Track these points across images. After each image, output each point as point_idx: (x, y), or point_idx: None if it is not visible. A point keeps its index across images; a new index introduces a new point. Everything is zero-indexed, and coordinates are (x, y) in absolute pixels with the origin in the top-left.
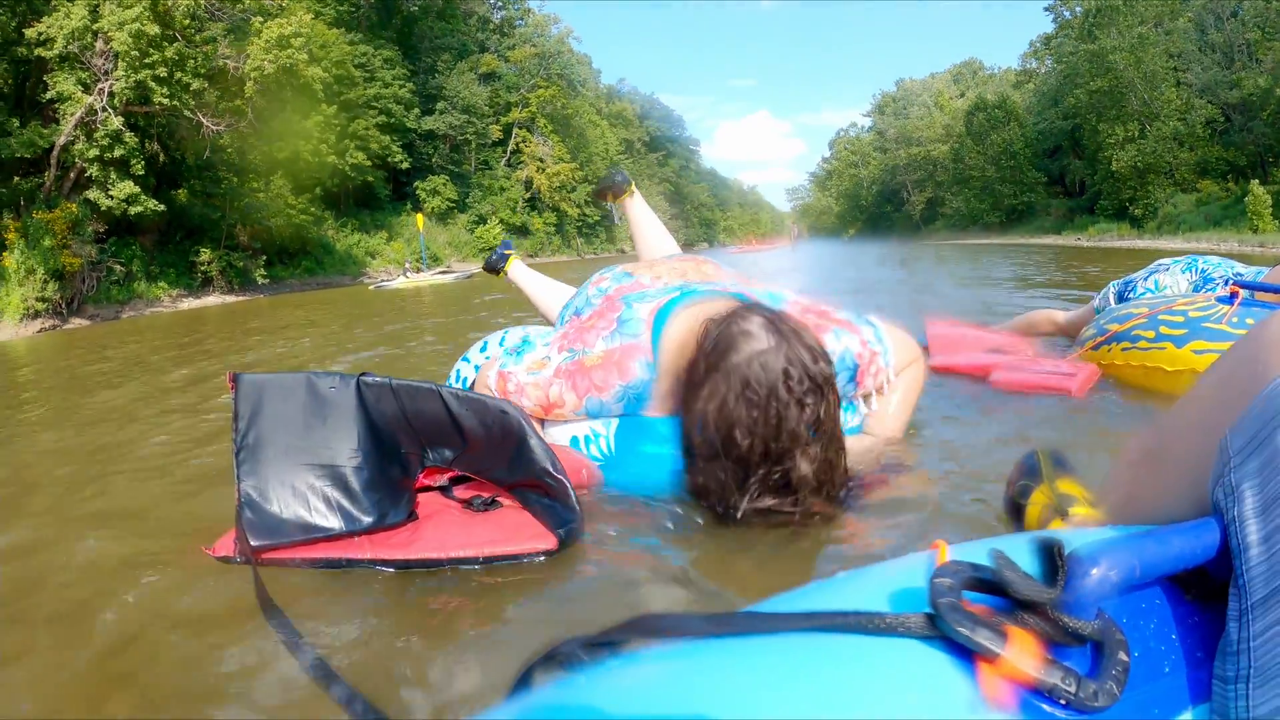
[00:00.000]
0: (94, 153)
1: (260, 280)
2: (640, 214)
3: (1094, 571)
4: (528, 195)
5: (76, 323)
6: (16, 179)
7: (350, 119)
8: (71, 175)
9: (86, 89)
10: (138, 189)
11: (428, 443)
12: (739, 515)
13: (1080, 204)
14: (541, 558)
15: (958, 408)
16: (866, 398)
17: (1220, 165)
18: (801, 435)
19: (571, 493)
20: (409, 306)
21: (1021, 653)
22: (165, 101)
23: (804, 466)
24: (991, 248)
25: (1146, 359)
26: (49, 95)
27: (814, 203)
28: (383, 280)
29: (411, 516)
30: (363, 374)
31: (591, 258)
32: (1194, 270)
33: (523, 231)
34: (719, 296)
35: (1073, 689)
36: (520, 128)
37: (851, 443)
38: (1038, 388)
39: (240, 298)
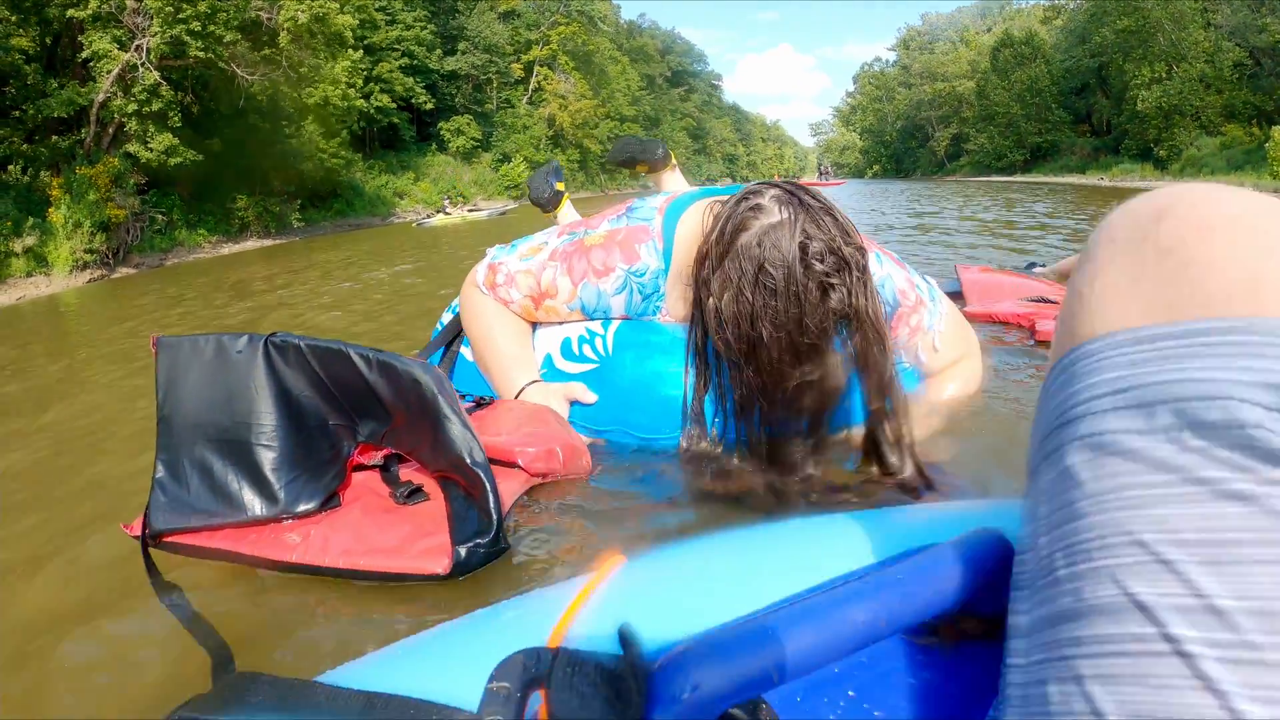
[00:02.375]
0: (132, 107)
1: (296, 224)
2: (679, 189)
3: (694, 693)
4: (550, 133)
5: (123, 271)
6: (54, 138)
7: (375, 62)
8: (110, 130)
9: (123, 46)
10: (176, 141)
11: (356, 414)
12: (796, 472)
13: (1106, 143)
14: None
15: (1004, 360)
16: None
17: (1247, 109)
18: (829, 329)
19: (492, 495)
20: (453, 240)
21: None
22: (200, 55)
23: (837, 376)
24: (1011, 186)
25: None
26: (84, 55)
27: (837, 138)
28: (425, 219)
29: (329, 503)
30: (272, 334)
31: (615, 193)
32: None
33: None
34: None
35: None
36: (541, 65)
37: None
38: None
39: (277, 241)
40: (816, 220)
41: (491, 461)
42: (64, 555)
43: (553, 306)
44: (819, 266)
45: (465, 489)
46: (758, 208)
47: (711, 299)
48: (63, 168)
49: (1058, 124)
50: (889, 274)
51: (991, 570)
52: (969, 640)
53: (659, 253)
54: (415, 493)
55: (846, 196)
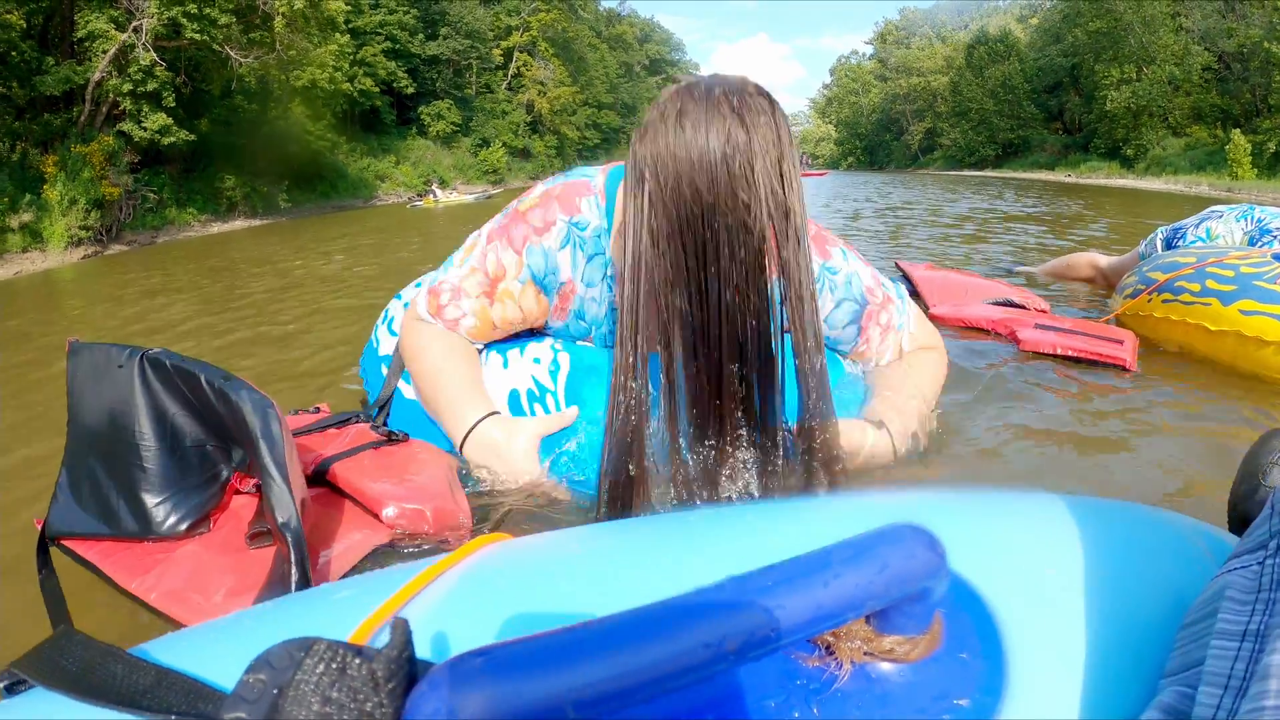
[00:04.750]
0: (128, 87)
1: (283, 204)
2: None
3: None
4: (529, 119)
5: (116, 248)
6: (47, 115)
7: (359, 46)
8: (103, 109)
9: (119, 26)
10: (169, 120)
11: (225, 439)
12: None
13: (1076, 141)
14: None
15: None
16: (862, 361)
17: (1214, 112)
18: (749, 227)
19: (296, 569)
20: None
21: None
22: (196, 36)
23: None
24: (975, 180)
25: (1189, 314)
26: (80, 34)
27: (813, 129)
28: (415, 200)
29: (198, 528)
30: (147, 350)
31: None
32: (1249, 219)
33: (524, 155)
34: None
35: None
36: (521, 51)
37: (848, 427)
38: (1086, 355)
39: (264, 221)
40: (745, 125)
41: (355, 502)
42: None
43: (507, 290)
44: (739, 159)
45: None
46: (664, 111)
47: (631, 207)
48: (56, 145)
49: (1029, 121)
50: (855, 270)
51: (913, 576)
52: (875, 660)
53: (601, 210)
54: (261, 535)
55: (831, 186)
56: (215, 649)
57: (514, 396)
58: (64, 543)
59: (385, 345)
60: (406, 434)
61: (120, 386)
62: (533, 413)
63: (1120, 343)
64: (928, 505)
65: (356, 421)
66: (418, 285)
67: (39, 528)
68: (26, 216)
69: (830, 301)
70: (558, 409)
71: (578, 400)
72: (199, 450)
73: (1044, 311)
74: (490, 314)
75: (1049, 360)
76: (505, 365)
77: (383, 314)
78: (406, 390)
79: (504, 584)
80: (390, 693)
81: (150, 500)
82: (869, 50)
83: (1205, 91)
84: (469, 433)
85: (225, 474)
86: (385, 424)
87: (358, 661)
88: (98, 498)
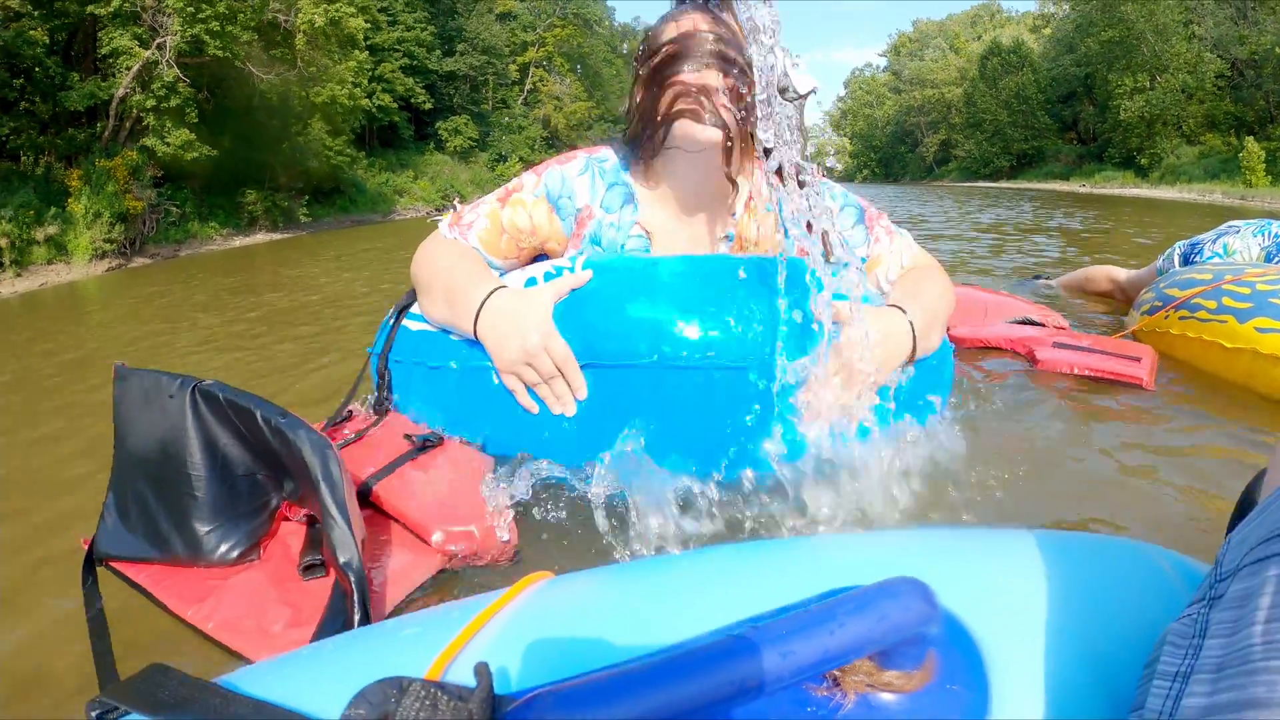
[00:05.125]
0: (151, 103)
1: (303, 219)
2: None
3: None
4: (545, 134)
5: (140, 261)
6: (71, 130)
7: (377, 62)
8: (127, 124)
9: (143, 44)
10: (192, 136)
11: (276, 470)
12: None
13: (1091, 151)
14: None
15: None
16: (880, 267)
17: (1228, 120)
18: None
19: (359, 608)
20: None
21: None
22: (218, 53)
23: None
24: (990, 191)
25: (1205, 332)
26: (104, 50)
27: (828, 142)
28: (435, 215)
29: (249, 555)
30: (200, 381)
31: None
32: (1267, 234)
33: None
34: None
35: None
36: (537, 67)
37: (875, 312)
38: (1103, 374)
39: (285, 235)
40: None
41: (398, 523)
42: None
43: (520, 199)
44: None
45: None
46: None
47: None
48: (81, 160)
49: (1044, 131)
50: (849, 194)
51: (910, 624)
52: (876, 691)
53: (618, 155)
54: (314, 567)
55: None
56: (301, 682)
57: (530, 282)
58: (113, 565)
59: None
60: (441, 435)
61: (171, 416)
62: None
63: (1138, 360)
64: (925, 545)
65: (382, 416)
66: None
67: (85, 547)
68: (51, 229)
69: (835, 206)
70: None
71: (596, 279)
72: (249, 479)
73: (1063, 329)
74: (500, 216)
75: (1065, 378)
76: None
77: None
78: (411, 324)
79: (552, 623)
80: (484, 716)
81: (201, 528)
82: (883, 63)
83: (1219, 99)
84: (480, 308)
85: (275, 502)
86: (388, 367)
87: (445, 699)
88: (146, 522)
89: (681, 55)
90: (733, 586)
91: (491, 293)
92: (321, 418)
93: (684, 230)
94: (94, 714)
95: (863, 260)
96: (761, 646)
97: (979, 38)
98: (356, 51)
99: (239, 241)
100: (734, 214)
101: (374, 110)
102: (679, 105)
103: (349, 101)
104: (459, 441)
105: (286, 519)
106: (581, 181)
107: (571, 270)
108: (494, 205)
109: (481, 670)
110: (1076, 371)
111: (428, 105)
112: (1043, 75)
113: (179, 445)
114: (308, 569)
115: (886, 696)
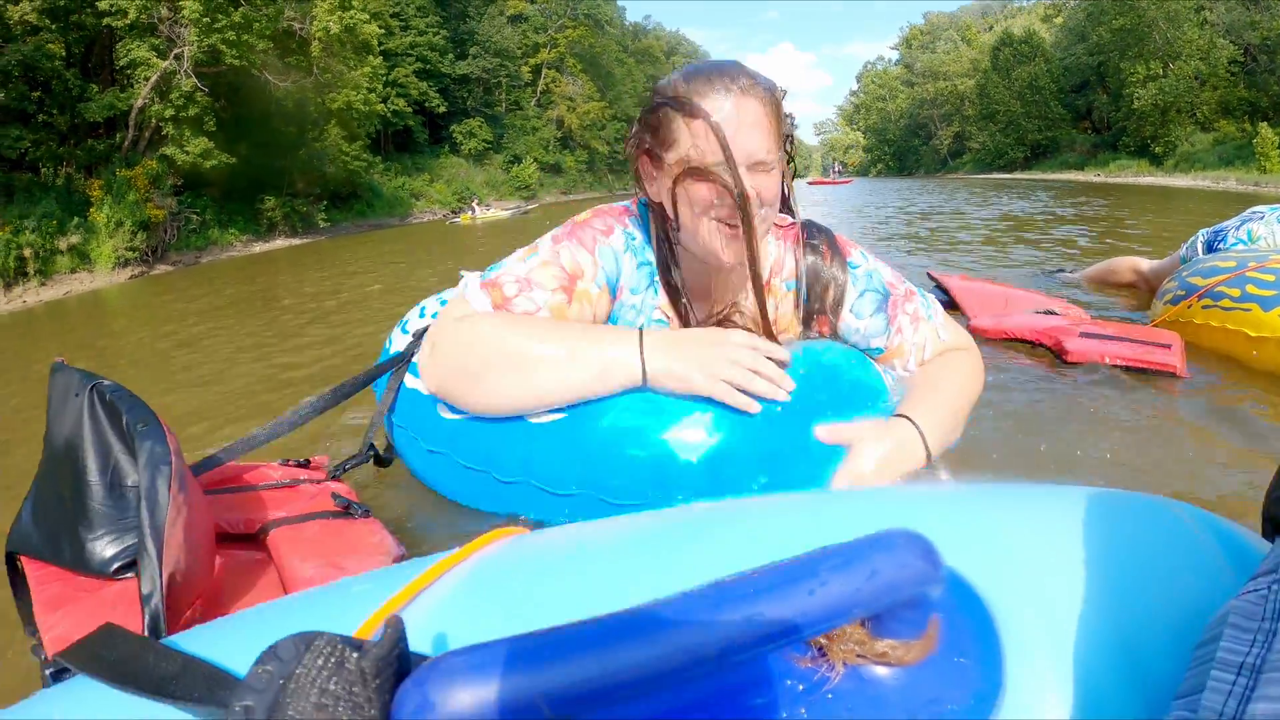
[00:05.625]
0: (170, 112)
1: (322, 224)
2: None
3: (431, 716)
4: (559, 134)
5: (161, 268)
6: (90, 141)
7: (391, 67)
8: (146, 134)
9: (160, 54)
10: (211, 144)
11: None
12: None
13: (1105, 140)
14: None
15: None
16: (900, 358)
17: (1241, 105)
18: None
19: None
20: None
21: None
22: (235, 62)
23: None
24: (1005, 183)
25: (1229, 320)
26: (122, 62)
27: (841, 137)
28: (454, 217)
29: (124, 571)
30: (99, 381)
31: (623, 193)
32: None
33: (556, 170)
34: None
35: None
36: (549, 68)
37: (861, 431)
38: (1135, 363)
39: (304, 240)
40: None
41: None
42: None
43: (585, 291)
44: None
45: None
46: None
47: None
48: (101, 170)
49: (1057, 121)
50: (876, 267)
51: (905, 583)
52: (869, 663)
53: (641, 221)
54: (127, 567)
55: (857, 194)
56: (237, 640)
57: None
58: (21, 558)
59: (398, 345)
60: (368, 510)
61: (75, 415)
62: None
63: (1168, 347)
64: (932, 500)
65: (335, 478)
66: (420, 313)
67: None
68: (74, 239)
69: (854, 294)
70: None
71: (597, 402)
72: (138, 491)
73: (1084, 319)
74: (568, 313)
75: (1092, 367)
76: None
77: (399, 322)
78: (413, 382)
79: (509, 579)
80: (378, 688)
81: (86, 534)
82: (895, 56)
83: (1232, 85)
84: (642, 346)
85: None
86: (393, 415)
87: (355, 656)
88: (49, 523)
89: (712, 167)
90: (716, 543)
91: (641, 334)
92: (322, 438)
93: (703, 311)
94: (49, 673)
95: (879, 350)
96: (726, 605)
97: (990, 28)
98: (371, 57)
99: (259, 247)
100: (748, 297)
101: (389, 115)
102: (704, 229)
103: (364, 107)
104: (382, 526)
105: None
106: (627, 260)
107: None
108: (559, 298)
109: (391, 622)
110: (1109, 361)
111: (441, 109)
112: (1055, 65)
113: (78, 447)
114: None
115: (881, 669)
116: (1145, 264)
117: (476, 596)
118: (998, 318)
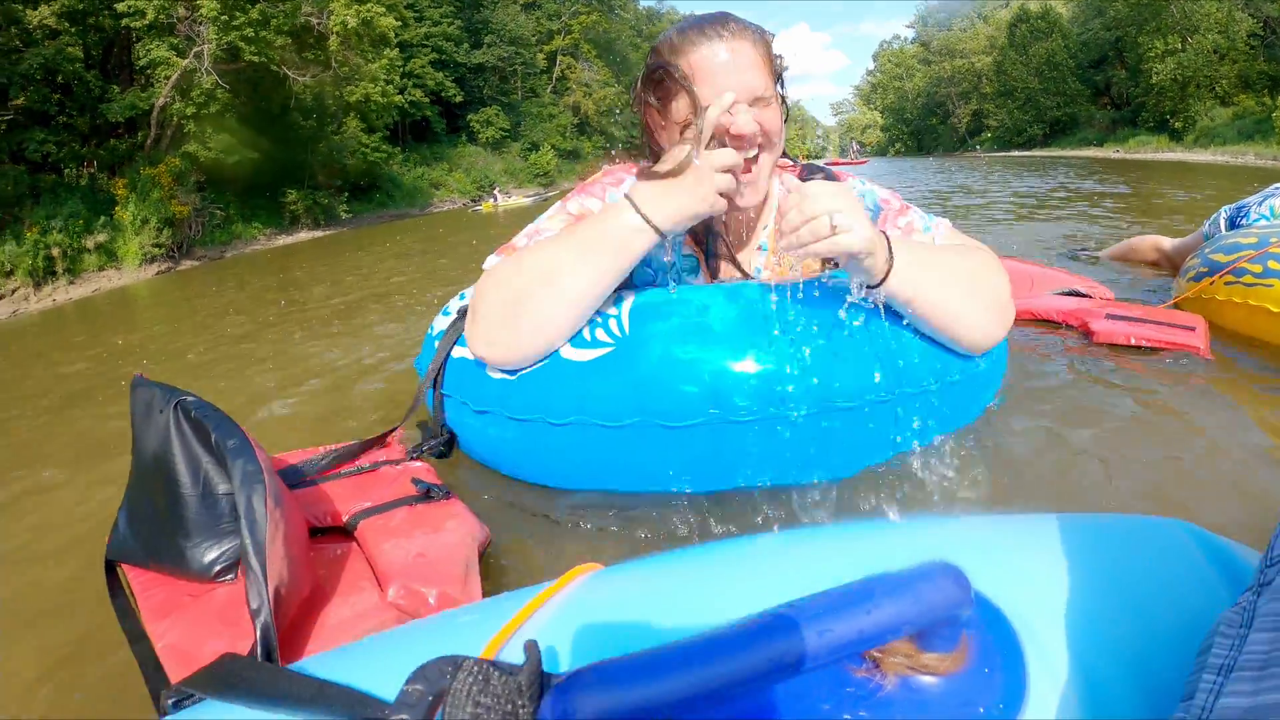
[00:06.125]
0: (191, 110)
1: (344, 215)
2: None
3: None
4: (576, 120)
5: (187, 264)
6: (112, 141)
7: (407, 59)
8: (168, 132)
9: (180, 53)
10: (233, 139)
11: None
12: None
13: (1124, 116)
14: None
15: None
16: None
17: (1261, 79)
18: None
19: (261, 653)
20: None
21: None
22: (254, 59)
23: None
24: (1024, 161)
25: (1250, 296)
26: (142, 62)
27: (859, 117)
28: (474, 205)
29: (225, 574)
30: (183, 397)
31: None
32: None
33: (574, 156)
34: None
35: None
36: (564, 55)
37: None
38: (1160, 344)
39: (327, 232)
40: None
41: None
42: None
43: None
44: None
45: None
46: None
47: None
48: (124, 169)
49: (1076, 97)
50: (872, 188)
51: (943, 605)
52: (914, 673)
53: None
54: (227, 570)
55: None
56: (361, 667)
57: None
58: (122, 567)
59: (440, 326)
60: (449, 492)
61: (161, 430)
62: (592, 339)
63: (1192, 329)
64: (959, 532)
65: (416, 457)
66: (462, 296)
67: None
68: (101, 237)
69: None
70: (621, 331)
71: (640, 329)
72: (230, 499)
73: (1109, 300)
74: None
75: (1116, 348)
76: None
77: (442, 309)
78: (457, 351)
79: (599, 609)
80: (530, 697)
81: (185, 542)
82: (911, 34)
83: (1251, 59)
84: (635, 205)
85: None
86: (441, 390)
87: (497, 674)
88: (146, 531)
89: (703, 101)
90: (773, 571)
91: (626, 198)
92: (377, 425)
93: (724, 245)
94: (170, 701)
95: None
96: (800, 624)
97: (1006, 4)
98: (387, 49)
99: (282, 240)
100: (765, 226)
101: (406, 106)
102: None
103: (382, 99)
104: (465, 507)
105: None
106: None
107: (618, 316)
108: (564, 214)
109: (530, 647)
110: (1134, 342)
111: (458, 98)
112: (1072, 40)
113: (168, 460)
114: (220, 573)
115: (926, 679)
116: (1167, 242)
117: (571, 626)
118: (1025, 298)
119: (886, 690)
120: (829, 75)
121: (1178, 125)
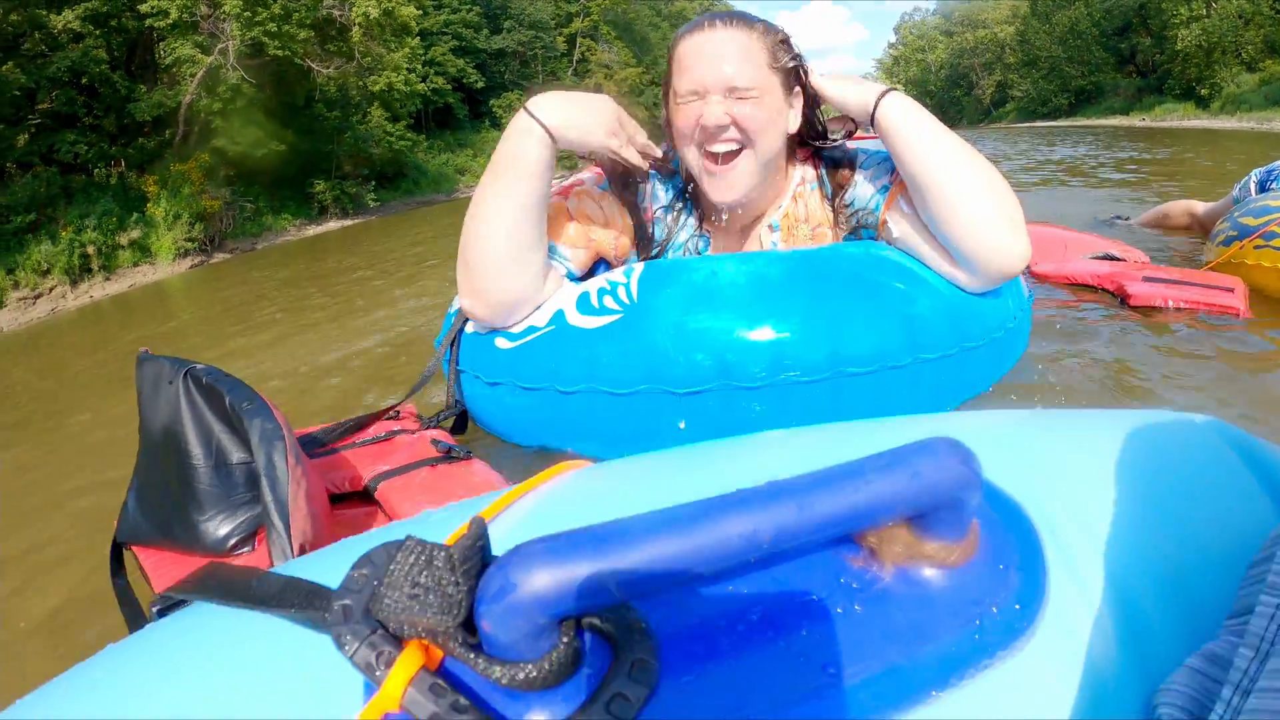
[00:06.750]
0: (218, 106)
1: (372, 204)
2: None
3: (514, 595)
4: None
5: (220, 257)
6: (140, 140)
7: (428, 47)
8: (195, 128)
9: (204, 50)
10: (260, 133)
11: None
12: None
13: (1150, 83)
14: None
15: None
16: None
17: None
18: None
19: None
20: None
21: (397, 685)
22: (278, 53)
23: None
24: (1050, 131)
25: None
26: (167, 61)
27: None
28: None
29: (241, 547)
30: (193, 366)
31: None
32: None
33: None
34: None
35: None
36: (584, 37)
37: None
38: (1198, 306)
39: (355, 221)
40: None
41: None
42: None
43: (585, 191)
44: None
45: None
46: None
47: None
48: (154, 166)
49: (1101, 66)
50: (879, 152)
51: (944, 484)
52: (916, 564)
53: (671, 151)
54: (242, 543)
55: None
56: (331, 564)
57: (584, 297)
58: (132, 548)
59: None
60: (469, 452)
61: (171, 402)
62: (600, 306)
63: (1230, 290)
64: (977, 424)
65: (431, 428)
66: None
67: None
68: (135, 234)
69: (861, 159)
70: (629, 299)
71: (649, 296)
72: (245, 467)
73: (1144, 264)
74: (565, 205)
75: (1152, 311)
76: (577, 283)
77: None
78: (469, 327)
79: (577, 502)
80: (465, 572)
81: (198, 516)
82: (932, 6)
83: (1276, 23)
84: (529, 108)
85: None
86: (457, 362)
87: (443, 554)
88: (157, 509)
89: (685, 98)
90: (777, 463)
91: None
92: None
93: (737, 220)
94: (156, 609)
95: (878, 206)
96: (780, 498)
97: None
98: (409, 38)
99: (312, 231)
100: (781, 205)
101: (428, 94)
102: (692, 158)
103: (405, 87)
104: (486, 465)
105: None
106: (647, 183)
107: (626, 284)
108: (555, 198)
109: (475, 521)
110: (1172, 305)
111: (480, 84)
112: (1096, 8)
113: (178, 432)
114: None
115: (928, 571)
116: (1200, 207)
117: (546, 517)
118: (1059, 263)
119: (885, 582)
120: (851, 49)
121: (1204, 92)
